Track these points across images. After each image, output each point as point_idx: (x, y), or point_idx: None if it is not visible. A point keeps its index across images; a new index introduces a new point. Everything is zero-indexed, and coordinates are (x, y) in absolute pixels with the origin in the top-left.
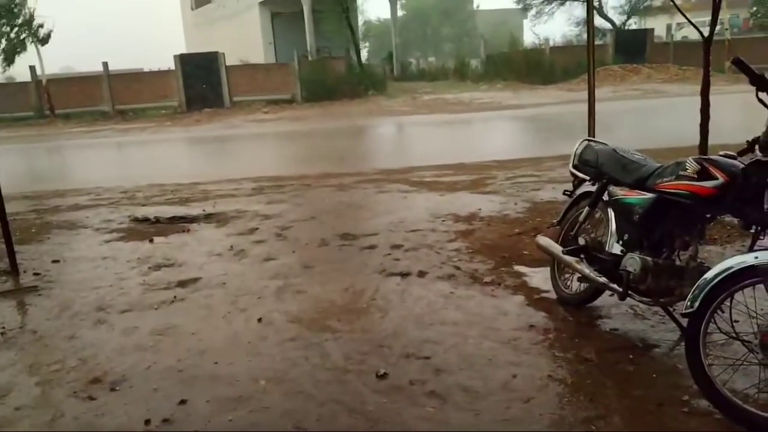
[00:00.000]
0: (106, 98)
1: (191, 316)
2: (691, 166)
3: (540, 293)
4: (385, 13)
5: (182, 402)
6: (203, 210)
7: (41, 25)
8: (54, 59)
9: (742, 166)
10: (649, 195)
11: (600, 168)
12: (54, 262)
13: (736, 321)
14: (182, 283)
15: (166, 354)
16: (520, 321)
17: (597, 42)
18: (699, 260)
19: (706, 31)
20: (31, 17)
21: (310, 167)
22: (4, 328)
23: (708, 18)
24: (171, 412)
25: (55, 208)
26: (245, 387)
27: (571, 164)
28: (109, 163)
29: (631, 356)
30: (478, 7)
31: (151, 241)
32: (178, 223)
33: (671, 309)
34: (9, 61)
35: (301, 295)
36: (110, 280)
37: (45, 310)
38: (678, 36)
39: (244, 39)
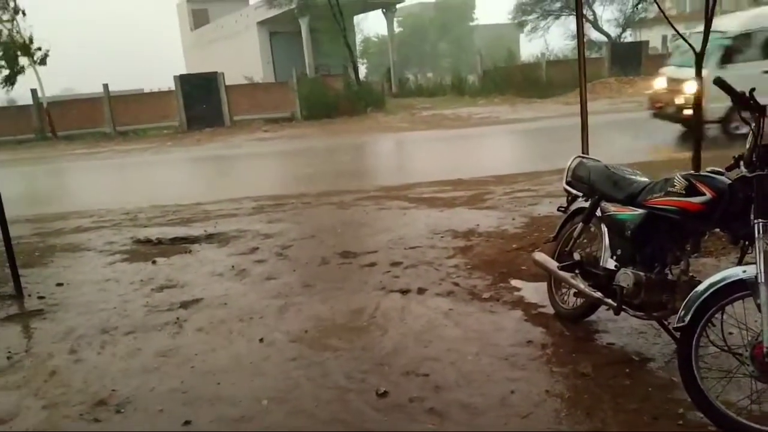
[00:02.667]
0: (107, 119)
1: (194, 337)
2: (680, 182)
3: (537, 308)
4: (383, 30)
5: (186, 423)
6: (205, 230)
7: (39, 48)
8: (55, 81)
9: (729, 182)
10: (640, 211)
11: (592, 184)
12: (58, 285)
13: (730, 333)
14: (185, 304)
15: (170, 375)
16: (518, 336)
17: (593, 55)
18: (690, 274)
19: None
20: (27, 41)
21: (309, 185)
22: (10, 352)
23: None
24: None
25: (58, 231)
26: (248, 407)
27: (564, 181)
28: (110, 184)
29: (627, 370)
30: (475, 22)
31: (154, 262)
32: (180, 244)
33: (666, 322)
34: (10, 83)
35: (302, 314)
36: (114, 302)
37: (50, 333)
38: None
39: (243, 58)
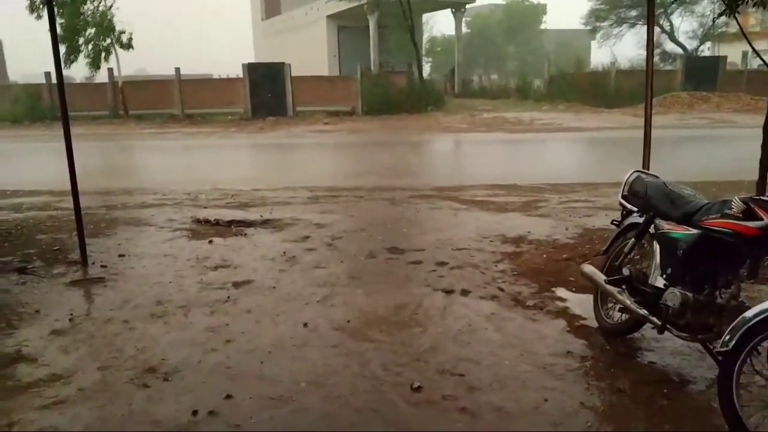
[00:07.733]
0: (176, 102)
1: (242, 316)
2: (737, 205)
3: (581, 320)
4: (451, 30)
5: (228, 397)
6: (260, 215)
7: (123, 32)
8: (129, 62)
9: None
10: (695, 231)
11: (648, 200)
12: (120, 256)
13: None
14: (236, 284)
15: (217, 350)
16: (558, 347)
17: (666, 67)
18: (740, 299)
19: None
20: (111, 23)
21: (364, 179)
22: (72, 314)
23: None
24: (217, 405)
25: (123, 205)
26: (287, 387)
27: (620, 195)
28: (175, 164)
29: (665, 390)
30: (545, 25)
31: (210, 242)
32: (236, 227)
33: (711, 346)
34: (95, 66)
35: (346, 305)
36: (170, 277)
37: (109, 300)
38: (754, 64)
39: (310, 50)
